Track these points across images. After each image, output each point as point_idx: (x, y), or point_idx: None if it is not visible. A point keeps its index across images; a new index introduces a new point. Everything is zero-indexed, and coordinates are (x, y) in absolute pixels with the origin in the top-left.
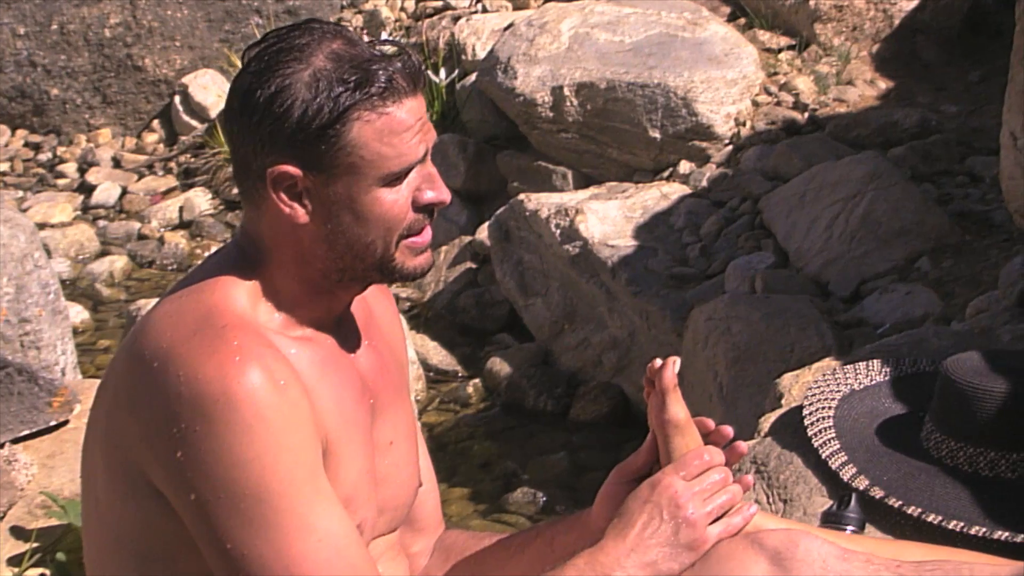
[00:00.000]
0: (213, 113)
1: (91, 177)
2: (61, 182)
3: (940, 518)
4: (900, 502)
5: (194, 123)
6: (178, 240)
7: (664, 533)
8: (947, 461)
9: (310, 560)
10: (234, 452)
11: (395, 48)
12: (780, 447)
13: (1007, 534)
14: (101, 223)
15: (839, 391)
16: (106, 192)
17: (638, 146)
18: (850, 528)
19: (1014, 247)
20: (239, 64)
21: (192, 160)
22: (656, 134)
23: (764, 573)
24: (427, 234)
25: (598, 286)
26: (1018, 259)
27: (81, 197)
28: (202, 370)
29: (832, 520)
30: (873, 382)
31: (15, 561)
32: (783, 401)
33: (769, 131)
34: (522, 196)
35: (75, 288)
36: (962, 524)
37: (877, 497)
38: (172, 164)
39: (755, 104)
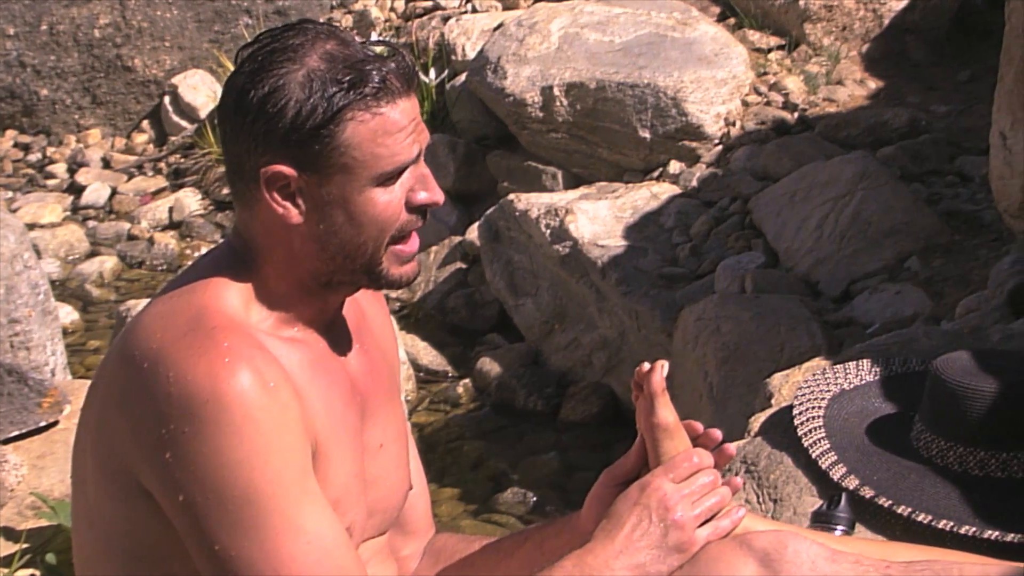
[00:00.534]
0: (203, 113)
1: (81, 178)
2: (51, 183)
3: (930, 517)
4: (890, 501)
5: (184, 123)
6: (168, 240)
7: (653, 535)
8: (937, 460)
9: (299, 561)
10: (223, 453)
11: (388, 48)
12: (770, 447)
13: (997, 533)
14: (91, 224)
15: (829, 391)
16: (96, 193)
17: (628, 146)
18: (840, 527)
19: (1003, 247)
20: (229, 64)
21: (182, 161)
22: (646, 134)
23: (753, 574)
24: (414, 243)
25: (588, 286)
26: (1007, 258)
27: (71, 198)
28: (192, 371)
29: (822, 520)
30: (863, 382)
31: (5, 562)
32: (773, 401)
33: (759, 131)
34: (512, 196)
35: (65, 289)
36: (952, 523)
37: (867, 496)
38: (162, 165)
39: (745, 104)
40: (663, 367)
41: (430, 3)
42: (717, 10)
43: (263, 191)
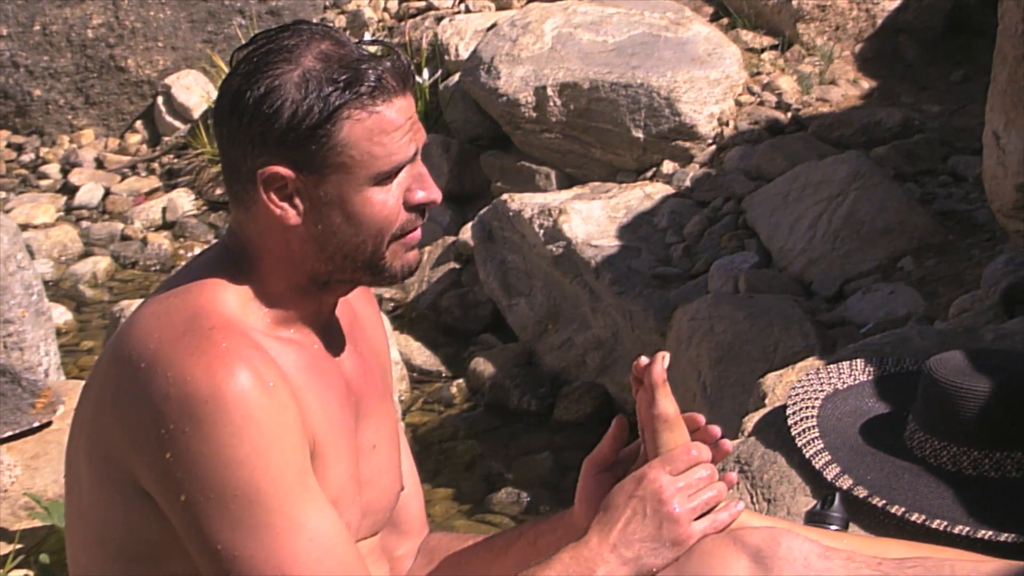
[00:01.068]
0: (196, 114)
1: (74, 178)
2: (44, 183)
3: (924, 517)
4: (884, 501)
5: (177, 124)
6: (161, 241)
7: (648, 528)
8: (931, 460)
9: (301, 559)
10: (224, 453)
11: (383, 48)
12: (764, 447)
13: (990, 533)
14: (84, 224)
15: (823, 390)
16: (89, 193)
17: (621, 146)
18: (833, 528)
19: (997, 246)
20: (222, 65)
21: (175, 161)
22: (639, 134)
23: (745, 571)
24: (417, 232)
25: (581, 286)
26: (1001, 258)
27: (64, 198)
28: (190, 371)
29: (816, 520)
30: (857, 381)
31: None
32: (767, 401)
33: (752, 131)
34: (505, 196)
35: (58, 289)
36: (945, 523)
37: (861, 496)
38: (155, 165)
39: (738, 104)
40: (664, 358)
41: (423, 3)
42: (710, 10)
43: (260, 192)
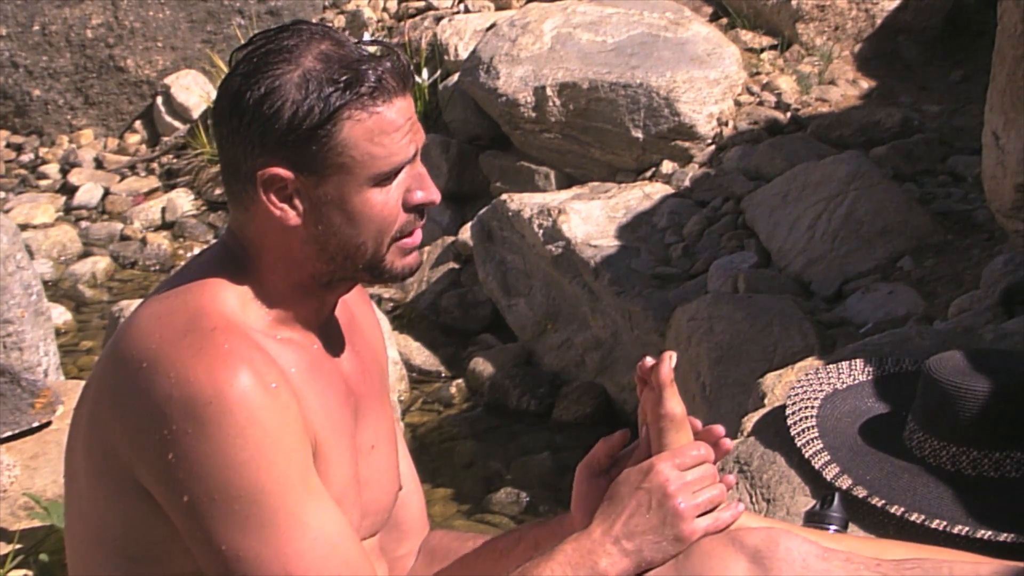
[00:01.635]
0: (195, 114)
1: (73, 178)
2: (43, 183)
3: (923, 517)
4: (883, 501)
5: (176, 124)
6: (161, 241)
7: (652, 521)
8: (930, 460)
9: (306, 558)
10: (228, 454)
11: (383, 48)
12: (763, 447)
13: (990, 533)
14: (83, 224)
15: (822, 390)
16: (88, 193)
17: (621, 146)
18: (833, 528)
19: (996, 246)
20: (221, 65)
21: (174, 161)
22: (639, 134)
23: (744, 572)
24: (418, 235)
25: (581, 286)
26: (1000, 258)
27: (63, 198)
28: (193, 372)
29: (815, 520)
30: (856, 381)
31: None
32: (766, 401)
33: (751, 131)
34: (505, 196)
35: (57, 289)
36: (945, 523)
37: (860, 496)
38: (154, 165)
39: (737, 104)
40: (671, 358)
41: (423, 3)
42: (709, 10)
43: (260, 193)
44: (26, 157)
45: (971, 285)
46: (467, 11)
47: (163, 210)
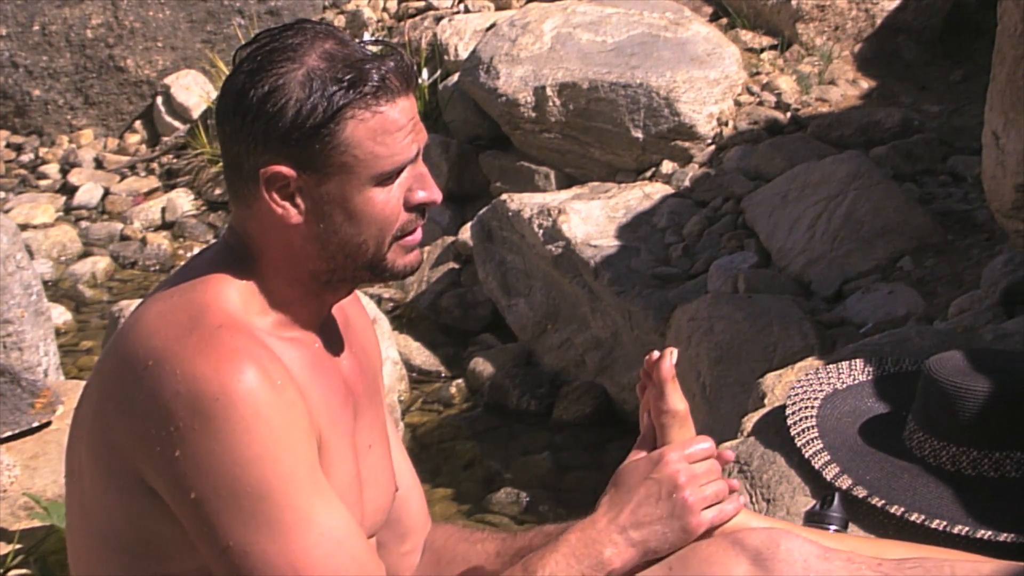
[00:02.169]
0: (195, 114)
1: (73, 178)
2: (43, 183)
3: (923, 517)
4: (883, 501)
5: (176, 124)
6: (161, 241)
7: (660, 512)
8: (930, 460)
9: (313, 555)
10: (234, 451)
11: (387, 48)
12: (763, 447)
13: (990, 533)
14: (83, 224)
15: (822, 390)
16: (88, 193)
17: (621, 146)
18: (833, 528)
19: (996, 246)
20: (221, 65)
21: (174, 161)
22: (639, 134)
23: (745, 573)
24: (419, 233)
25: (581, 286)
26: (1000, 258)
27: (63, 198)
28: (199, 369)
29: (815, 520)
30: (856, 381)
31: None
32: (766, 401)
33: (751, 131)
34: (505, 196)
35: (57, 289)
36: (945, 523)
37: (860, 496)
38: (154, 165)
39: (737, 104)
40: (673, 354)
41: (423, 3)
42: (709, 10)
43: (262, 191)
44: (26, 157)
45: (971, 285)
46: (467, 11)
47: (163, 210)
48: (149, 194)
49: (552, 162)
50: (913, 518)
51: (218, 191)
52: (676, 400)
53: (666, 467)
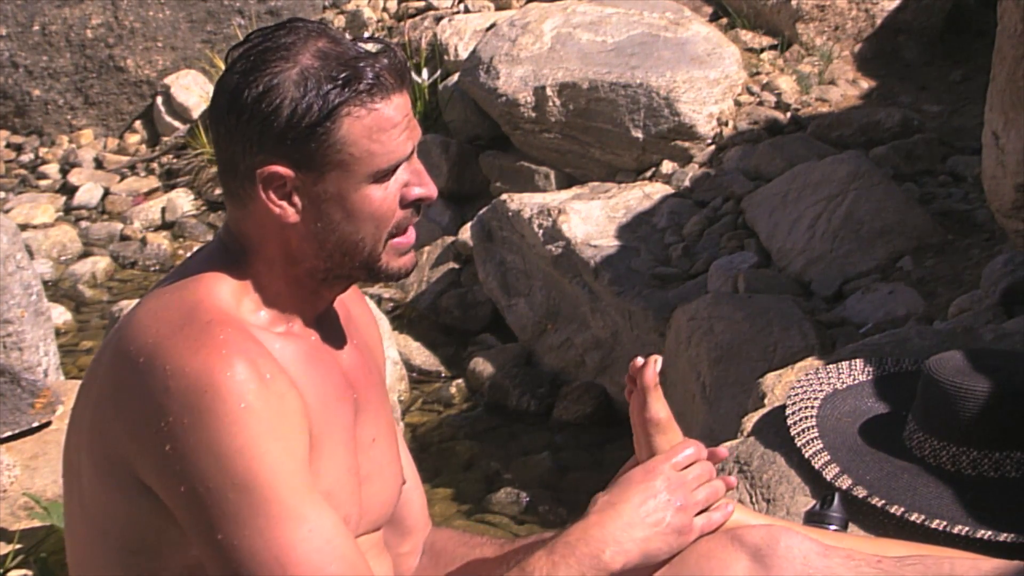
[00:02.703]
0: (195, 114)
1: (73, 178)
2: (43, 183)
3: (923, 517)
4: (883, 501)
5: (176, 124)
6: (161, 241)
7: (657, 514)
8: (930, 460)
9: (301, 549)
10: (223, 443)
11: (380, 45)
12: (763, 447)
13: (990, 533)
14: (83, 224)
15: (822, 390)
16: (88, 193)
17: (621, 146)
18: (833, 527)
19: (996, 246)
20: (221, 65)
21: (174, 161)
22: (639, 134)
23: (745, 570)
24: (411, 234)
25: (581, 286)
26: (1000, 258)
27: (63, 198)
28: (189, 364)
29: (815, 520)
30: (856, 381)
31: None
32: (766, 401)
33: (751, 131)
34: (505, 196)
35: (57, 289)
36: (945, 523)
37: (860, 496)
38: (154, 165)
39: (737, 104)
40: (656, 362)
41: (423, 3)
42: (709, 10)
43: (259, 191)
44: (26, 157)
45: (971, 285)
46: (467, 11)
47: (163, 210)
48: (149, 194)
49: (552, 162)
50: (913, 518)
51: (218, 191)
52: (658, 408)
53: (656, 476)
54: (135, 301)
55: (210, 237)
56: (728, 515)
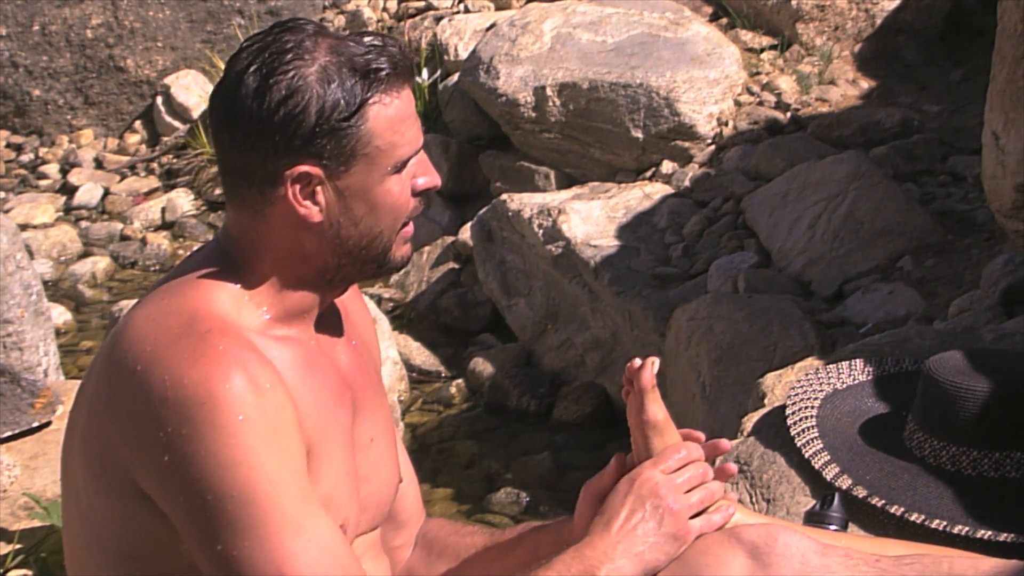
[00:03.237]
0: (195, 114)
1: (73, 178)
2: (43, 183)
3: (923, 517)
4: (883, 501)
5: (176, 124)
6: (160, 241)
7: (648, 524)
8: (930, 460)
9: (300, 560)
10: (221, 454)
11: (381, 38)
12: (763, 447)
13: (990, 533)
14: (83, 224)
15: (822, 390)
16: (88, 193)
17: (621, 146)
18: (833, 527)
19: (996, 246)
20: (221, 65)
21: (174, 161)
22: (638, 134)
23: (743, 568)
24: (411, 226)
25: (581, 286)
26: (1000, 258)
27: (63, 198)
28: (187, 374)
29: (815, 520)
30: (856, 381)
31: None
32: (766, 401)
33: (751, 131)
34: (505, 196)
35: (57, 289)
36: (945, 523)
37: (860, 496)
38: (154, 165)
39: (737, 104)
40: (653, 364)
41: (422, 3)
42: (709, 10)
43: (286, 192)
44: (26, 157)
45: (971, 285)
46: (467, 11)
47: (163, 210)
48: (149, 194)
49: (552, 162)
50: (913, 518)
51: (218, 191)
52: (656, 409)
53: (645, 482)
54: (135, 301)
55: (210, 237)
56: (728, 517)
